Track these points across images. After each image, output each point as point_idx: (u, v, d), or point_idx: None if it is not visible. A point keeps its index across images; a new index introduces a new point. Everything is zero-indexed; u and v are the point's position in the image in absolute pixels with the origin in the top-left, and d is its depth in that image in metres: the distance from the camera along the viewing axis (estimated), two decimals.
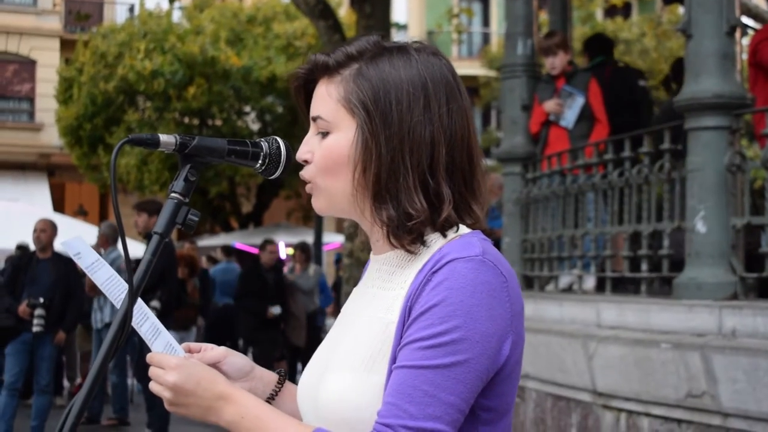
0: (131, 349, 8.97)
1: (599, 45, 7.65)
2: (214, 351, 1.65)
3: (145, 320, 1.61)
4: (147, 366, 1.53)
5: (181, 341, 1.64)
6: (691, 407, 4.65)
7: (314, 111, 1.53)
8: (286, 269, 13.19)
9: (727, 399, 4.41)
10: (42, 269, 8.25)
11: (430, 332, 1.38)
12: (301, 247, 12.89)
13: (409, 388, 1.36)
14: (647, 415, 5.01)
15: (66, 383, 11.67)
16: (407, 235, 1.47)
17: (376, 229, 1.52)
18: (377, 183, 1.47)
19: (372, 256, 1.59)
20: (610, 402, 5.33)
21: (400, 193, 1.46)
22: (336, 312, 10.79)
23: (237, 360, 1.67)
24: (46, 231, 8.32)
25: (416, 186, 1.46)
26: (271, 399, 1.68)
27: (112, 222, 10.64)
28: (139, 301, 1.61)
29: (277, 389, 1.69)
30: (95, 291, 8.98)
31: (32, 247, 8.81)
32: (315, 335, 12.11)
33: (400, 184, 1.46)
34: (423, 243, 1.48)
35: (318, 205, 1.56)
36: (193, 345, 1.65)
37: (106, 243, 9.66)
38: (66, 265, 8.36)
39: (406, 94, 1.47)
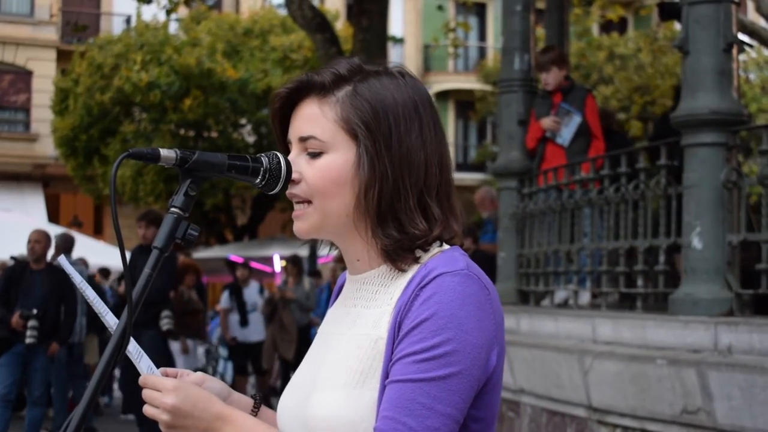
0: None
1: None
2: (191, 376, 1.63)
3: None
4: (135, 383, 1.51)
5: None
6: (686, 423, 4.64)
7: (303, 131, 1.51)
8: (279, 282, 13.12)
9: (723, 415, 4.41)
10: (35, 280, 8.21)
11: (424, 345, 1.39)
12: (292, 260, 12.73)
13: (407, 402, 1.37)
14: (642, 431, 5.00)
15: None
16: (409, 254, 1.49)
17: (367, 248, 1.52)
18: (380, 204, 1.47)
19: (349, 276, 1.59)
20: (606, 417, 5.32)
21: (401, 213, 1.48)
22: None
23: (214, 385, 1.66)
24: (40, 242, 8.28)
25: (416, 207, 1.48)
26: None
27: (65, 233, 10.56)
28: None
29: (253, 414, 1.68)
30: None
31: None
32: (306, 349, 12.03)
33: (402, 204, 1.47)
34: (416, 261, 1.49)
35: (305, 226, 1.53)
36: (170, 370, 1.63)
37: (57, 253, 9.61)
38: (60, 276, 8.32)
39: (402, 116, 1.49)
